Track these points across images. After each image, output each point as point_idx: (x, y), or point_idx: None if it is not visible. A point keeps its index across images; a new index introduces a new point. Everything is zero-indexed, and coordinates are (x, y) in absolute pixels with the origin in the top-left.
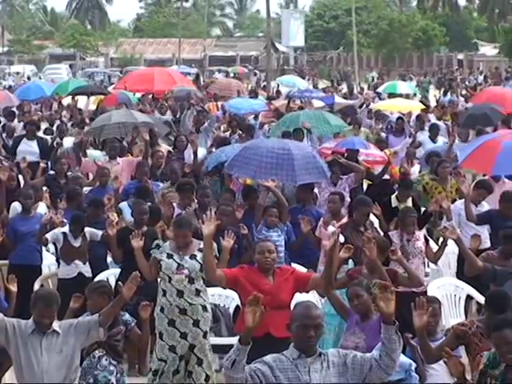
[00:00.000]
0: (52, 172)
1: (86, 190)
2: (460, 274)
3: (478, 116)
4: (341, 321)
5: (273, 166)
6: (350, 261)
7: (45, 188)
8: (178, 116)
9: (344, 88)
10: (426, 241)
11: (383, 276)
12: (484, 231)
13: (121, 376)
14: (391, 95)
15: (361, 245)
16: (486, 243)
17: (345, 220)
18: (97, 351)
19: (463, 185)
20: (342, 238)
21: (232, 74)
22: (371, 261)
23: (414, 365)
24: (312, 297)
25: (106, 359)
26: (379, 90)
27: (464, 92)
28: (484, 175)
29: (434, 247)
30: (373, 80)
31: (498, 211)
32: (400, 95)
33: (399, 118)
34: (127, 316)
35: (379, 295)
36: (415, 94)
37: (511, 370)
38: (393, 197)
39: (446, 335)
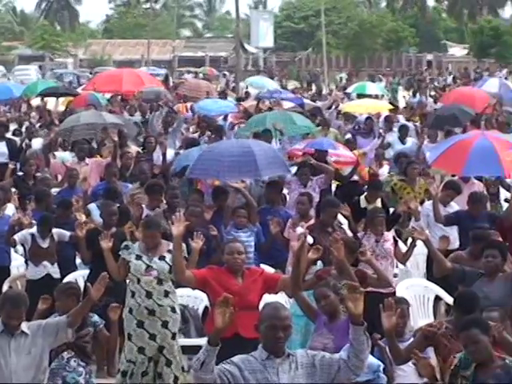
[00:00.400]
0: (20, 173)
1: (54, 191)
2: (429, 275)
3: (446, 117)
4: (307, 321)
5: (235, 164)
6: (319, 262)
7: (13, 189)
8: (147, 117)
9: (313, 89)
10: (395, 242)
11: (351, 277)
12: (453, 232)
13: (89, 377)
14: (360, 96)
15: (329, 245)
16: (455, 244)
17: (313, 221)
18: (65, 352)
19: (431, 186)
20: (310, 239)
21: (201, 75)
22: (339, 261)
23: (382, 366)
24: (281, 298)
25: (75, 360)
26: (348, 90)
27: (433, 93)
28: (453, 176)
29: (403, 248)
30: (341, 81)
31: (467, 212)
32: (369, 96)
33: (368, 118)
34: (96, 317)
35: (348, 296)
36: (383, 96)
37: (481, 370)
38: (362, 198)
39: (415, 336)
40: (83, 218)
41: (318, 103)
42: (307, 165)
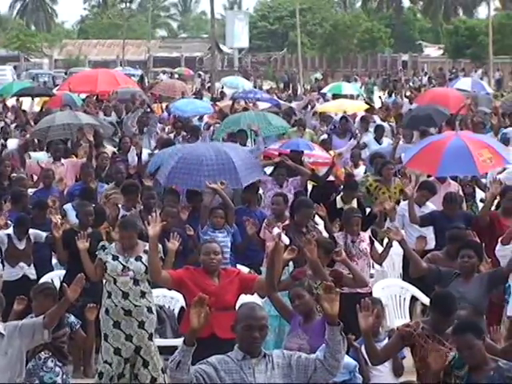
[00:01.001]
0: None
1: (30, 191)
2: (405, 275)
3: (421, 117)
4: (281, 321)
5: (216, 172)
6: (290, 263)
7: None
8: (122, 117)
9: (290, 89)
10: (371, 242)
11: (325, 277)
12: (429, 232)
13: (66, 377)
14: (336, 96)
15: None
16: (431, 244)
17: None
18: (42, 353)
19: (407, 187)
20: (287, 240)
21: (176, 76)
22: (312, 262)
23: (358, 366)
24: (257, 298)
25: (52, 361)
26: (324, 90)
27: (408, 93)
28: (429, 176)
29: (379, 248)
30: (316, 81)
31: (442, 212)
32: (345, 96)
33: (342, 117)
34: (72, 318)
35: (323, 296)
36: (358, 96)
37: (474, 372)
38: (338, 198)
39: (390, 336)
40: (58, 219)
41: (294, 103)
42: (284, 165)
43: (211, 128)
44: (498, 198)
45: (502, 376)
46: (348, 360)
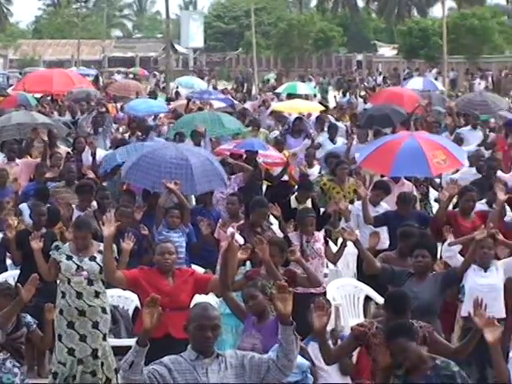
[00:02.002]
0: None
1: None
2: (359, 275)
3: (378, 117)
4: (238, 321)
5: (172, 176)
6: (248, 262)
7: None
8: (77, 117)
9: (244, 89)
10: (326, 242)
11: (278, 277)
12: (383, 232)
13: (24, 378)
14: (291, 96)
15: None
16: (385, 244)
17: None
18: (1, 353)
19: (360, 187)
20: (241, 239)
21: (131, 75)
22: (264, 262)
23: (310, 366)
24: (212, 298)
25: (10, 361)
26: (279, 90)
27: (363, 93)
28: (382, 176)
29: (333, 248)
30: (268, 81)
31: (395, 212)
32: (299, 96)
33: (297, 118)
34: (29, 318)
35: (277, 295)
36: (315, 95)
37: (412, 372)
38: (292, 198)
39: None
40: (12, 219)
41: (248, 103)
42: (226, 164)
43: (161, 128)
44: (455, 198)
45: (439, 375)
46: (301, 360)
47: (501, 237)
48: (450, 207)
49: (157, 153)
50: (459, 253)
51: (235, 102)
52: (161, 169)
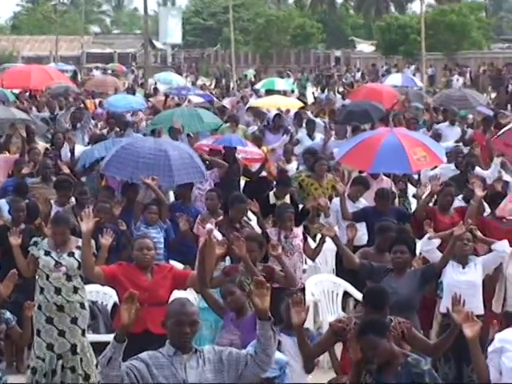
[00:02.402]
0: None
1: None
2: (338, 271)
3: (358, 112)
4: (217, 317)
5: (149, 166)
6: (227, 258)
7: None
8: (55, 113)
9: (222, 85)
10: (304, 238)
11: (255, 273)
12: (362, 227)
13: (3, 374)
14: (269, 92)
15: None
16: (364, 239)
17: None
18: None
19: (338, 183)
20: (219, 235)
21: (110, 71)
22: (242, 258)
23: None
24: (190, 294)
25: None
26: (257, 86)
27: (341, 89)
28: (361, 172)
29: (312, 244)
30: (246, 77)
31: (374, 208)
32: (278, 92)
33: (277, 114)
34: (8, 314)
35: (254, 291)
36: (293, 91)
37: (383, 368)
38: (271, 194)
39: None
40: None
41: (226, 99)
42: (202, 161)
43: (139, 124)
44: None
45: (410, 372)
46: (279, 356)
47: (478, 233)
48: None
49: (135, 145)
50: (438, 248)
51: (214, 98)
52: (139, 160)
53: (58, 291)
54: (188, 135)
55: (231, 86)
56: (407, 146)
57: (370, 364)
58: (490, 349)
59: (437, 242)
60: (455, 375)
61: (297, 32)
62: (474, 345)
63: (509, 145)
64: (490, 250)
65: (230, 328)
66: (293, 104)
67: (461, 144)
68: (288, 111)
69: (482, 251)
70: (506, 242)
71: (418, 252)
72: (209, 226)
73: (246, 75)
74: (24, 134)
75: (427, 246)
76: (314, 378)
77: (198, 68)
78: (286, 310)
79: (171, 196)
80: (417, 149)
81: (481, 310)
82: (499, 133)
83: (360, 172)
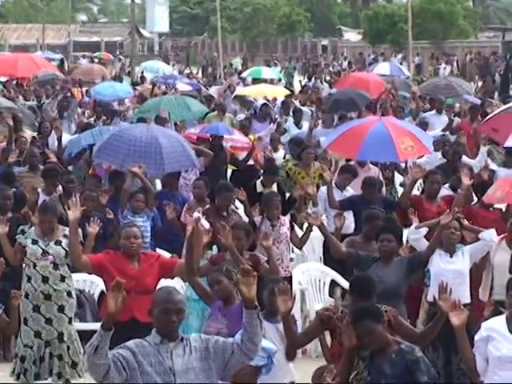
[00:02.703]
0: None
1: None
2: (325, 260)
3: (344, 101)
4: (205, 305)
5: (141, 154)
6: (214, 246)
7: None
8: (42, 102)
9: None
10: (291, 226)
11: (240, 262)
12: (349, 216)
13: None
14: (256, 80)
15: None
16: (351, 228)
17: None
18: None
19: (325, 172)
20: (206, 224)
21: (97, 60)
22: (228, 247)
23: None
24: (177, 282)
25: None
26: (244, 75)
27: (328, 78)
28: (348, 160)
29: (299, 233)
30: (231, 66)
31: (360, 196)
32: (265, 80)
33: (264, 104)
34: None
35: (241, 279)
36: (280, 80)
37: (377, 355)
38: (258, 182)
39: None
40: None
41: (213, 88)
42: None
43: (126, 112)
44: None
45: (404, 359)
46: (268, 344)
47: (465, 222)
48: (418, 193)
49: (127, 132)
50: (425, 237)
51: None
52: (130, 147)
53: (45, 280)
54: (175, 124)
55: (218, 74)
56: (395, 135)
57: (362, 351)
58: (476, 337)
59: (424, 230)
60: (444, 364)
61: (283, 21)
62: (460, 333)
63: (496, 130)
64: (478, 239)
65: (218, 317)
66: (279, 92)
67: (448, 133)
68: (275, 100)
69: (469, 239)
70: (493, 231)
71: (404, 240)
72: (196, 214)
73: (231, 64)
74: (11, 123)
75: (414, 235)
76: (301, 366)
77: (188, 56)
78: (268, 296)
79: (158, 184)
80: (404, 138)
81: (468, 299)
82: (486, 118)
83: (347, 160)
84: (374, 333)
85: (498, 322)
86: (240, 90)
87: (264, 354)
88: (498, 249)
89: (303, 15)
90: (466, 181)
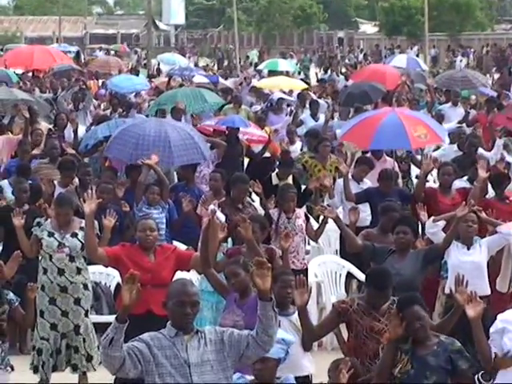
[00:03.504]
0: None
1: None
2: (341, 252)
3: (357, 94)
4: (219, 298)
5: (149, 147)
6: (229, 239)
7: None
8: (57, 94)
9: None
10: (307, 218)
11: (259, 255)
12: (366, 209)
13: (5, 355)
14: (272, 73)
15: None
16: (367, 220)
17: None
18: None
19: (341, 164)
20: (222, 217)
21: (113, 52)
22: (247, 240)
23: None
24: (193, 275)
25: None
26: (260, 67)
27: (344, 70)
28: (364, 153)
29: (315, 225)
30: (248, 58)
31: (377, 189)
32: (281, 73)
33: (280, 98)
34: (11, 295)
35: (255, 272)
36: (299, 73)
37: (419, 346)
38: (273, 175)
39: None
40: None
41: (230, 80)
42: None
43: (142, 105)
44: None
45: (446, 350)
46: (287, 336)
47: (483, 214)
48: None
49: (137, 126)
50: (442, 230)
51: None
52: (138, 141)
53: (61, 272)
54: (191, 115)
55: (233, 66)
56: (407, 123)
57: (403, 344)
58: (491, 329)
59: (441, 224)
60: None
61: (298, 13)
62: (476, 325)
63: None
64: (495, 232)
65: (233, 309)
66: (296, 86)
67: (464, 125)
68: (291, 92)
69: (487, 232)
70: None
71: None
72: (212, 207)
73: (248, 56)
74: (27, 115)
75: (433, 229)
76: (317, 358)
77: (200, 49)
78: (279, 289)
79: (175, 177)
80: (417, 126)
81: (487, 291)
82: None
83: (363, 153)
84: (423, 318)
85: None
86: (256, 83)
87: (284, 345)
88: None
89: (317, 7)
90: (483, 173)
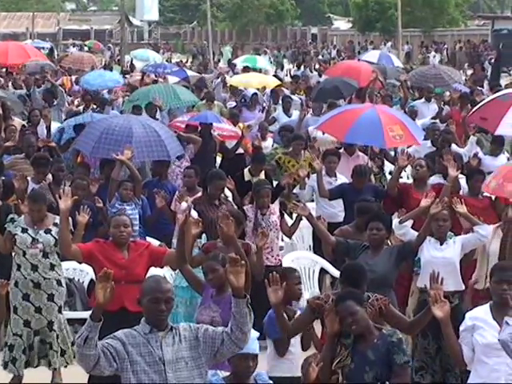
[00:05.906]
0: None
1: None
2: (315, 248)
3: (329, 90)
4: (193, 293)
5: (111, 142)
6: (204, 235)
7: None
8: (31, 90)
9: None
10: (281, 215)
11: (239, 251)
12: (339, 205)
13: None
14: (246, 69)
15: (215, 218)
16: (340, 216)
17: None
18: None
19: (315, 161)
20: (195, 214)
21: (86, 48)
22: (229, 237)
23: None
24: (167, 271)
25: None
26: (236, 61)
27: (318, 66)
28: (337, 148)
29: (289, 221)
30: (221, 54)
31: (350, 185)
32: (255, 69)
33: (254, 94)
34: None
35: (229, 269)
36: (276, 70)
37: (360, 341)
38: (246, 171)
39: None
40: None
41: (205, 76)
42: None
43: (116, 101)
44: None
45: (386, 342)
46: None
47: (464, 209)
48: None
49: (105, 121)
50: (412, 226)
51: (192, 73)
52: (102, 135)
53: (34, 268)
54: (168, 112)
55: (208, 62)
56: (385, 121)
57: (344, 338)
58: (461, 328)
59: (409, 223)
60: (435, 350)
61: (269, 11)
62: (445, 325)
63: (485, 118)
64: (471, 229)
65: (210, 304)
66: (270, 83)
67: (437, 121)
68: (264, 88)
69: (465, 225)
70: (489, 228)
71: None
72: (184, 204)
73: (221, 52)
74: (0, 111)
75: (401, 230)
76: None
77: (173, 45)
78: (292, 286)
79: (149, 173)
80: (394, 126)
81: (461, 286)
82: (475, 108)
83: (336, 149)
84: (356, 313)
85: (482, 311)
86: (230, 80)
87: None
88: (494, 237)
89: (290, 4)
90: (453, 172)
